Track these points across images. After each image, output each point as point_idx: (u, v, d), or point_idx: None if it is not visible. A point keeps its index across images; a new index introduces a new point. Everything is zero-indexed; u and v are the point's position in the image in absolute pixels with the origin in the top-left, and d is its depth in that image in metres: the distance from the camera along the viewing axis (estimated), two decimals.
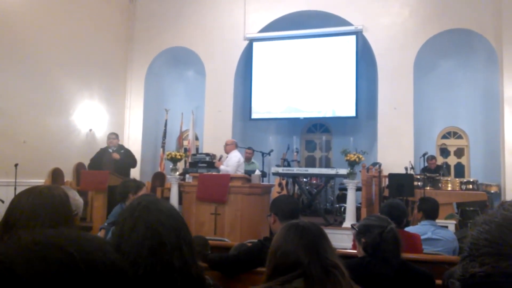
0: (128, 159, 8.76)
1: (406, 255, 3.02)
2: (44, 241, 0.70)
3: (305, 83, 11.74)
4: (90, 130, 10.82)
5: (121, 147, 8.93)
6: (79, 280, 0.66)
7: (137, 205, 1.59)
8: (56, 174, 9.47)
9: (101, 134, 11.02)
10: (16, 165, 8.14)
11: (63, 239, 0.71)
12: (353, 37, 11.39)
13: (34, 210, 1.77)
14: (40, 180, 8.52)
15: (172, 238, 1.51)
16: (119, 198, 4.55)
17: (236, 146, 8.74)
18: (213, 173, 8.08)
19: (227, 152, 8.58)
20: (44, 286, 0.63)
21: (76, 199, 2.46)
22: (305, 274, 1.56)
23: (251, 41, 11.99)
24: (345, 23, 11.19)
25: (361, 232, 2.64)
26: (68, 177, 9.90)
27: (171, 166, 9.13)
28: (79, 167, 9.96)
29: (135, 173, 10.17)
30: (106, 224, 4.64)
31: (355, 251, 3.19)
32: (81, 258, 0.69)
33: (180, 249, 1.51)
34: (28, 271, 0.64)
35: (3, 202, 7.13)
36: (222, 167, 8.20)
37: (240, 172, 8.09)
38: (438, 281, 2.51)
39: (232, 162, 8.23)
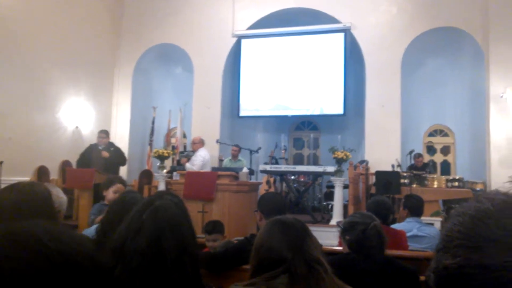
0: (118, 157, 8.71)
1: (392, 252, 3.04)
2: (18, 231, 0.70)
3: (294, 80, 11.76)
4: (77, 127, 10.73)
5: (111, 144, 8.87)
6: (52, 268, 0.66)
7: (147, 205, 1.55)
8: (42, 172, 9.39)
9: (87, 131, 10.94)
10: (1, 162, 8.06)
11: (38, 230, 0.71)
12: (341, 35, 11.41)
13: (16, 206, 1.75)
14: (25, 178, 8.44)
15: (173, 253, 1.46)
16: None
17: (203, 144, 8.75)
18: (201, 170, 8.06)
19: (194, 150, 8.57)
20: (16, 273, 0.63)
21: (60, 196, 2.43)
22: (289, 270, 1.56)
23: (240, 38, 11.97)
24: (334, 20, 11.21)
25: (346, 229, 2.66)
26: (54, 174, 9.82)
27: (158, 164, 9.09)
28: (65, 165, 9.88)
29: (122, 171, 10.12)
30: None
31: (341, 248, 3.20)
32: (56, 248, 0.68)
33: (182, 263, 1.47)
34: (0, 258, 0.64)
35: None
36: (187, 165, 8.21)
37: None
38: (423, 277, 2.52)
39: (198, 161, 8.25)
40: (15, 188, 1.84)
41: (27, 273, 0.64)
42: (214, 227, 4.32)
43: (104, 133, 8.77)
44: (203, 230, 4.44)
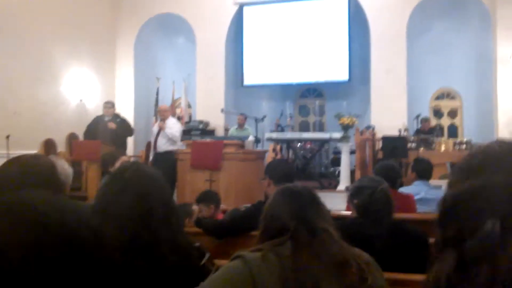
0: (124, 128, 8.69)
1: (400, 215, 3.04)
2: (17, 201, 0.69)
3: (298, 47, 11.62)
4: (81, 100, 10.73)
5: (117, 116, 8.82)
6: (50, 239, 0.65)
7: (128, 168, 1.57)
8: (49, 145, 9.42)
9: (92, 104, 10.93)
10: (7, 136, 8.10)
11: (37, 200, 0.70)
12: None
13: (21, 180, 1.74)
14: (32, 151, 8.46)
15: (160, 209, 1.50)
16: (103, 172, 4.54)
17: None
18: (207, 140, 8.05)
19: (165, 118, 8.37)
20: (16, 244, 0.62)
21: (65, 168, 2.42)
22: (292, 238, 1.57)
23: (241, 5, 11.79)
24: None
25: (353, 194, 2.66)
26: (61, 147, 9.86)
27: None
28: (71, 137, 9.90)
29: (128, 142, 10.14)
30: None
31: (349, 212, 3.20)
32: (54, 218, 0.67)
33: (168, 220, 1.51)
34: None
35: None
36: (168, 131, 8.09)
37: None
38: (432, 239, 2.52)
39: (178, 131, 8.22)
40: (19, 161, 1.82)
41: (21, 241, 0.63)
42: (203, 197, 4.37)
43: (110, 104, 8.72)
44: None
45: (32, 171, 1.78)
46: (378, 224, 2.46)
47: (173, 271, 1.51)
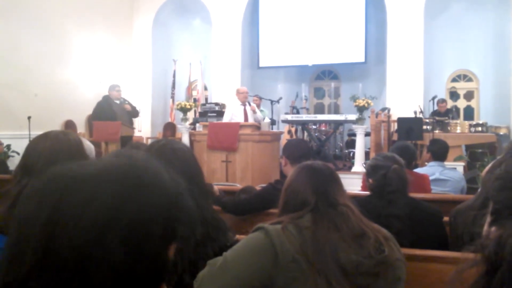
0: (133, 110, 8.78)
1: (415, 195, 3.08)
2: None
3: (313, 29, 11.58)
4: (100, 82, 10.84)
5: (125, 99, 8.86)
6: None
7: (155, 144, 1.72)
8: (69, 126, 9.60)
9: (110, 85, 11.04)
10: (29, 117, 8.26)
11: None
12: None
13: (51, 153, 1.76)
14: None
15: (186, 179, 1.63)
16: None
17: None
18: (223, 122, 8.12)
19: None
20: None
21: (88, 143, 2.52)
22: (312, 211, 1.63)
23: None
24: None
25: (369, 173, 2.65)
26: (81, 128, 10.03)
27: (181, 116, 9.19)
28: (91, 118, 10.04)
29: (146, 124, 10.26)
30: None
31: (364, 192, 3.26)
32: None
33: (192, 192, 1.60)
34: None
35: (18, 154, 7.28)
36: (258, 115, 8.27)
37: None
38: (446, 218, 2.58)
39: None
40: (49, 136, 1.85)
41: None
42: None
43: (119, 87, 8.74)
44: None
45: (63, 146, 1.83)
46: (394, 204, 2.43)
47: (202, 244, 1.61)
